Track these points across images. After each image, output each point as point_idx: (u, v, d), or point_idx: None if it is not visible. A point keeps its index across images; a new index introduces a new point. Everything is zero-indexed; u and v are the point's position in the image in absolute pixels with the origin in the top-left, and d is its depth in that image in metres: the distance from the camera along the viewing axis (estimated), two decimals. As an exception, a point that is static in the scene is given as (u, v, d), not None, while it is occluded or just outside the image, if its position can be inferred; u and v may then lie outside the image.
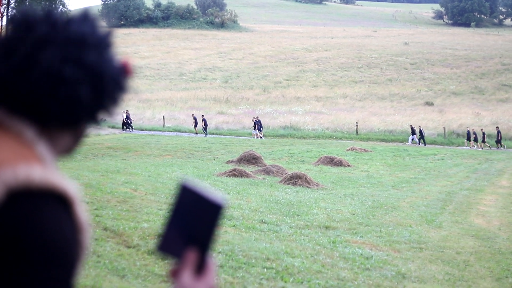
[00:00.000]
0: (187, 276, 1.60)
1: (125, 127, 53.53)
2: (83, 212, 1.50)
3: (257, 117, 54.90)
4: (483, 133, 49.91)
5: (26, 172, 1.38)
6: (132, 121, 55.24)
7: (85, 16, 1.57)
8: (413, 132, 51.35)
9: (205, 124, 54.14)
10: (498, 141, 49.66)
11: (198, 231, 1.64)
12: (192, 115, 56.93)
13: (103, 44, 1.56)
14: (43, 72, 1.44)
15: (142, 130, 55.38)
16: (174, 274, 1.62)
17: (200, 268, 1.63)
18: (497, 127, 50.84)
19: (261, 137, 51.80)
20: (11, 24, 1.52)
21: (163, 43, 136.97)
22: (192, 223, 1.64)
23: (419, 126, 52.21)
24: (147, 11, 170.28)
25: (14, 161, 1.39)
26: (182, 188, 1.65)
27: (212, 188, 18.74)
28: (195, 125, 54.76)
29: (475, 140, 49.49)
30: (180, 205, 1.64)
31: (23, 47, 1.47)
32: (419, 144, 50.00)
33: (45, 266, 1.37)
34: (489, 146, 49.38)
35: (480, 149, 48.03)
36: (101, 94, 1.54)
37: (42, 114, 1.48)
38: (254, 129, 52.82)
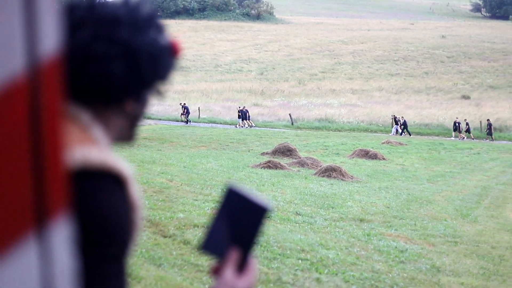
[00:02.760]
0: (229, 273, 1.65)
1: None
2: (137, 191, 1.58)
3: (244, 107, 55.44)
4: (467, 123, 50.27)
5: (84, 154, 1.45)
6: None
7: (125, 0, 1.63)
8: (396, 123, 51.74)
9: (187, 112, 55.18)
10: (489, 134, 49.53)
11: (242, 232, 1.70)
12: (180, 103, 57.69)
13: (142, 23, 1.60)
14: (76, 50, 1.50)
15: (177, 121, 55.61)
16: (216, 271, 1.68)
17: (242, 267, 1.68)
18: (488, 120, 50.78)
19: (250, 126, 52.58)
20: None
21: (199, 35, 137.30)
22: (236, 224, 1.69)
23: (402, 117, 52.50)
24: (183, 2, 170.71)
25: (72, 144, 1.46)
26: (229, 191, 1.70)
27: (248, 179, 18.84)
28: (182, 114, 55.57)
29: (459, 130, 49.77)
30: (226, 207, 1.70)
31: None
32: (402, 134, 50.46)
33: (102, 243, 1.45)
34: (472, 138, 49.53)
35: (465, 139, 48.28)
36: (138, 69, 1.58)
37: (84, 93, 1.54)
38: (239, 118, 53.36)
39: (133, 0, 1.64)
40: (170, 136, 37.53)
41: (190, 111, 56.22)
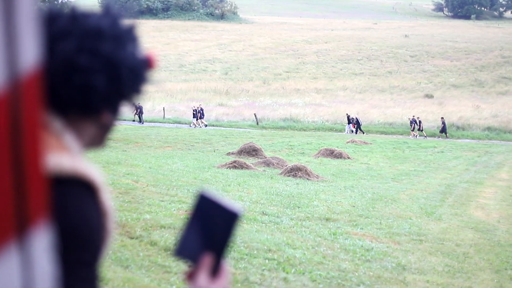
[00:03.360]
0: (203, 278, 1.67)
1: None
2: (108, 198, 1.60)
3: (199, 105, 55.15)
4: (419, 121, 50.80)
5: (56, 161, 1.46)
6: None
7: (106, 11, 1.64)
8: (349, 121, 52.11)
9: (141, 112, 54.84)
10: (443, 131, 50.32)
11: (215, 237, 1.72)
12: (134, 104, 57.39)
13: (123, 37, 1.63)
14: (59, 61, 1.50)
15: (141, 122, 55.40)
16: (190, 276, 1.69)
17: (215, 272, 1.70)
18: (442, 118, 51.50)
19: (206, 125, 52.53)
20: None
21: (163, 35, 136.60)
22: (209, 230, 1.71)
23: (356, 116, 52.93)
24: (147, 2, 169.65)
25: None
26: (200, 197, 1.72)
27: (213, 179, 18.82)
28: (136, 114, 55.01)
29: (419, 129, 50.33)
30: (198, 213, 1.72)
31: (44, 39, 1.53)
32: (356, 133, 50.96)
33: (74, 249, 1.47)
34: (425, 136, 50.06)
35: (422, 137, 48.91)
36: (118, 83, 1.61)
37: (62, 103, 1.55)
38: (194, 117, 53.06)
39: (113, 11, 1.65)
40: (135, 137, 37.34)
41: (153, 111, 55.83)
